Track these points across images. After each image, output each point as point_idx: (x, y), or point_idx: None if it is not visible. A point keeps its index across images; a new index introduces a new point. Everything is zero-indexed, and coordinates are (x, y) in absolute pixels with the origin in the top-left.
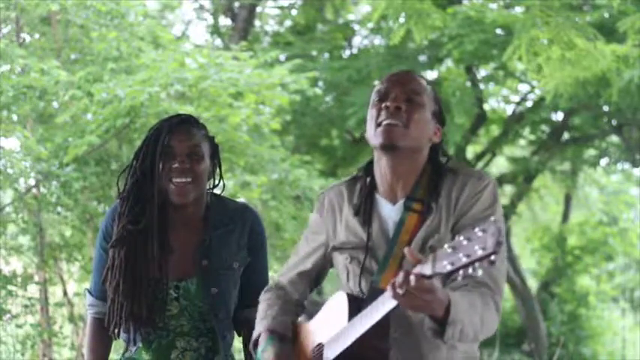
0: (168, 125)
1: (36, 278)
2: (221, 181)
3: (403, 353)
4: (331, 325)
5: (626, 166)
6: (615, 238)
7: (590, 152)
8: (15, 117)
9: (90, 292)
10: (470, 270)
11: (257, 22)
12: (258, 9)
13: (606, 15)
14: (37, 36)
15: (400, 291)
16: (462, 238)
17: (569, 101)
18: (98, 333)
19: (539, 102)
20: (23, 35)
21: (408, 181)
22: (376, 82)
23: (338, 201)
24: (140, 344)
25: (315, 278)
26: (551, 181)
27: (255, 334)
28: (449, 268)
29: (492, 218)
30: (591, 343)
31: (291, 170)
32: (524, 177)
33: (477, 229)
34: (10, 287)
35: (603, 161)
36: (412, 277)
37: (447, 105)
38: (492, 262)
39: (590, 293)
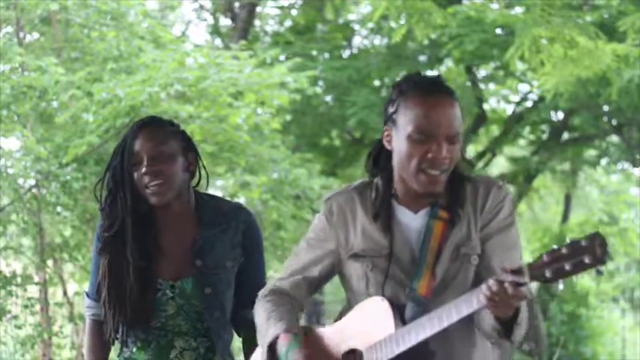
0: (131, 132)
1: (36, 278)
2: (204, 174)
3: (437, 352)
4: (370, 331)
5: (626, 166)
6: (615, 238)
7: (590, 152)
8: (15, 117)
9: (87, 295)
10: (572, 278)
11: (257, 22)
12: (258, 9)
13: (606, 15)
14: (37, 36)
15: (496, 298)
16: (562, 248)
17: (570, 101)
18: (97, 335)
19: (539, 102)
20: (23, 35)
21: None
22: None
23: (350, 207)
24: (138, 344)
25: (317, 286)
26: (551, 181)
27: (269, 337)
28: (549, 275)
29: (513, 226)
30: (591, 343)
31: (290, 170)
32: (524, 177)
33: (581, 240)
34: (10, 287)
35: (603, 161)
36: (508, 286)
37: None
38: (600, 272)
39: (590, 293)
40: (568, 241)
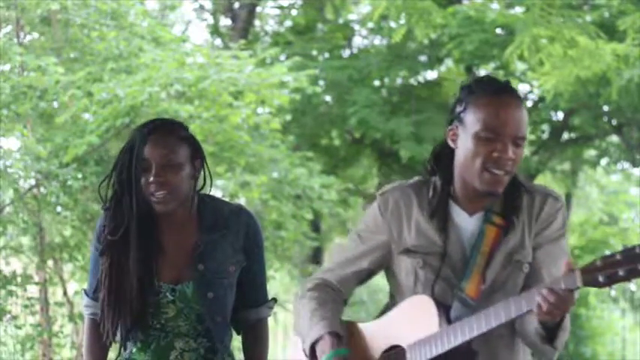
0: (141, 133)
1: (36, 278)
2: (211, 180)
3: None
4: (413, 329)
5: (626, 166)
6: (615, 238)
7: (590, 152)
8: (15, 116)
9: (86, 293)
10: (625, 284)
11: (257, 22)
12: (258, 9)
13: (606, 14)
14: (37, 35)
15: (545, 305)
16: (616, 254)
17: (570, 101)
18: (95, 334)
19: (540, 102)
20: (23, 35)
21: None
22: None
23: (405, 203)
24: (138, 345)
25: (365, 278)
26: (551, 181)
27: (313, 335)
28: (602, 280)
29: (564, 237)
30: (591, 343)
31: (291, 169)
32: (524, 177)
33: (636, 247)
34: (10, 287)
35: (603, 161)
36: (562, 293)
37: (447, 105)
38: None
39: (590, 293)
40: (621, 247)
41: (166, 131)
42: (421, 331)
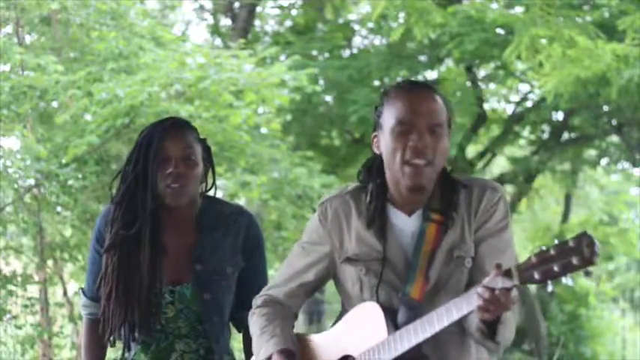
0: (161, 128)
1: (36, 278)
2: (214, 184)
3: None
4: (362, 337)
5: (626, 166)
6: (615, 238)
7: (590, 152)
8: (15, 116)
9: (84, 293)
10: (560, 279)
11: (257, 22)
12: (258, 9)
13: (606, 14)
14: (36, 36)
15: (483, 304)
16: (550, 249)
17: (570, 101)
18: (93, 334)
19: (540, 102)
20: (23, 35)
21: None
22: (388, 93)
23: (344, 211)
24: (139, 347)
25: (312, 290)
26: (551, 181)
27: (263, 354)
28: (537, 277)
29: (507, 228)
30: (591, 343)
31: (291, 169)
32: (524, 177)
33: (569, 241)
34: (10, 287)
35: (603, 161)
36: (498, 292)
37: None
38: (589, 273)
39: (590, 293)
40: (556, 242)
41: (186, 128)
42: (370, 338)
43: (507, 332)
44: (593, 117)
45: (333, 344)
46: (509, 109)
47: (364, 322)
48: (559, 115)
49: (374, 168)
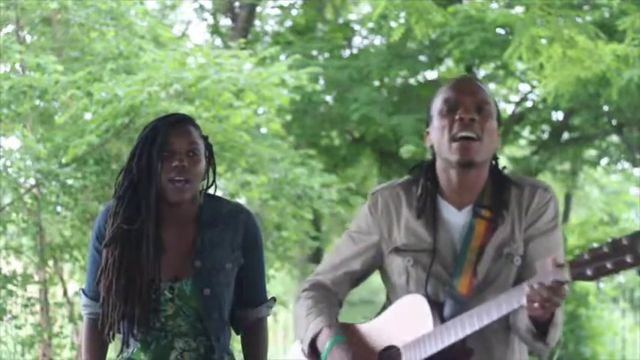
0: (165, 123)
1: (36, 278)
2: (215, 182)
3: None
4: (408, 328)
5: (626, 165)
6: None
7: (591, 152)
8: (15, 116)
9: (84, 293)
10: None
11: (257, 22)
12: (258, 9)
13: (606, 14)
14: (37, 36)
15: (534, 299)
16: (603, 246)
17: (570, 102)
18: (94, 333)
19: (540, 102)
20: (23, 35)
21: (475, 188)
22: (442, 90)
23: (394, 202)
24: (138, 345)
25: (358, 279)
26: (552, 181)
27: (310, 332)
28: (590, 274)
29: (557, 228)
30: (591, 343)
31: (291, 169)
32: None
33: (623, 238)
34: (10, 287)
35: (603, 161)
36: (550, 286)
37: None
38: None
39: (590, 293)
40: (609, 239)
41: (190, 124)
42: (416, 330)
43: (557, 334)
44: (594, 117)
45: (377, 334)
46: (509, 109)
47: (410, 313)
48: (559, 115)
49: (425, 164)
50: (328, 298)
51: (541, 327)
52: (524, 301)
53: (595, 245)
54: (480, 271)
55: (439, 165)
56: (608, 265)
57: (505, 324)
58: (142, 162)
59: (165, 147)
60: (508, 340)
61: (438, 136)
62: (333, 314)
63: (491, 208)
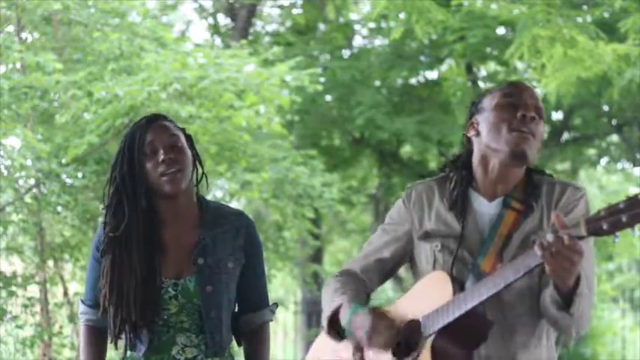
0: (140, 126)
1: (36, 278)
2: (204, 174)
3: (495, 336)
4: (429, 301)
5: (627, 165)
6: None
7: (591, 152)
8: (16, 116)
9: (82, 301)
10: (629, 230)
11: (257, 22)
12: (259, 9)
13: (607, 14)
14: (38, 36)
15: (552, 249)
16: (619, 203)
17: (572, 100)
18: (91, 340)
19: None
20: (24, 35)
21: (511, 182)
22: (493, 91)
23: (428, 194)
24: (145, 347)
25: (389, 270)
26: None
27: (332, 307)
28: (606, 228)
29: None
30: (591, 343)
31: (291, 168)
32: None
33: (638, 194)
34: (10, 287)
35: (603, 160)
36: (565, 237)
37: (447, 105)
38: None
39: None
40: (629, 196)
41: (165, 120)
42: (436, 302)
43: (583, 307)
44: (594, 117)
45: (402, 311)
46: None
47: (432, 288)
48: (559, 115)
49: (459, 160)
50: (355, 283)
51: (565, 297)
52: (539, 253)
53: (612, 203)
54: (506, 257)
55: (477, 156)
56: (624, 219)
57: (529, 309)
58: (123, 167)
59: (145, 147)
60: (534, 326)
61: (492, 127)
62: (358, 296)
63: (521, 201)
